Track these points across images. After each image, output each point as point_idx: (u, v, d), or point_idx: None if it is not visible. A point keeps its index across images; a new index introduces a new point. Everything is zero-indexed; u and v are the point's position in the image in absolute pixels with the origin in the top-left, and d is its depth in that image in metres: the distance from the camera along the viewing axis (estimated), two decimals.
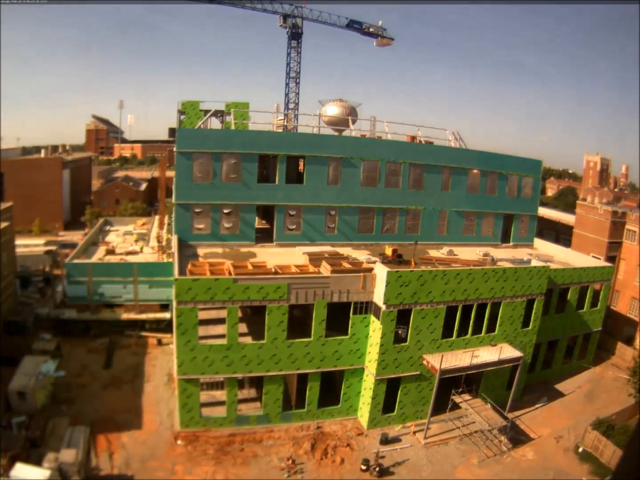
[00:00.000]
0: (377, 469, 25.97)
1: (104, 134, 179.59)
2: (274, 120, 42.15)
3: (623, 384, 36.79)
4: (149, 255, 49.22)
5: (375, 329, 28.83)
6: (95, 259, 46.96)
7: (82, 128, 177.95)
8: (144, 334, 40.48)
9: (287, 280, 27.52)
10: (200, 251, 33.65)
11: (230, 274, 28.02)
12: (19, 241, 49.07)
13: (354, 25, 64.15)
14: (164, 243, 49.69)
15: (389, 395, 29.82)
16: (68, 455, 24.03)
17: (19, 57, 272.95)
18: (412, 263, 33.59)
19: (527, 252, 41.62)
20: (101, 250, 49.55)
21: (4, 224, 40.06)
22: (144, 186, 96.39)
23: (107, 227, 62.02)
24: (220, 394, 29.68)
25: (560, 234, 59.08)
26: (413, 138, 42.69)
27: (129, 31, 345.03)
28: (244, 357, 27.70)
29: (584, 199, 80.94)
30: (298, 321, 29.43)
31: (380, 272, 28.46)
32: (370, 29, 64.87)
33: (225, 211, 35.65)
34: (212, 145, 34.42)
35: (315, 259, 32.00)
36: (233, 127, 37.86)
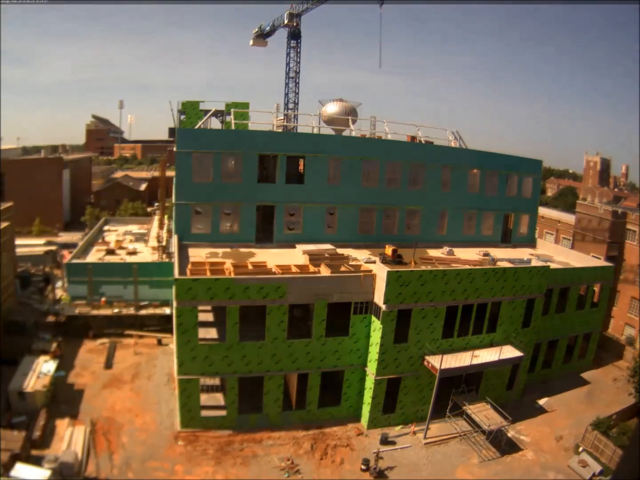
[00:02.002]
0: (377, 469, 25.97)
1: (104, 134, 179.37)
2: (274, 120, 42.06)
3: (623, 384, 36.79)
4: (148, 255, 49.27)
5: (375, 328, 28.82)
6: (95, 259, 47.03)
7: (82, 128, 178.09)
8: (144, 334, 40.48)
9: (287, 280, 27.52)
10: (201, 251, 33.62)
11: (230, 274, 28.03)
12: (19, 241, 49.04)
13: None
14: (164, 243, 49.70)
15: (389, 395, 29.81)
16: (68, 455, 24.06)
17: (19, 57, 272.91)
18: (412, 263, 33.58)
19: (527, 252, 41.60)
20: (101, 250, 49.63)
21: (4, 224, 40.03)
22: (144, 186, 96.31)
23: (107, 227, 62.12)
24: (220, 394, 29.69)
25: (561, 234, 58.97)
26: (413, 138, 42.68)
27: (129, 30, 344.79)
28: (244, 357, 27.70)
29: (584, 199, 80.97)
30: (298, 321, 29.42)
31: (381, 272, 28.45)
32: None
33: (226, 211, 35.66)
34: (212, 145, 34.40)
35: (315, 258, 31.99)
36: (233, 127, 37.83)
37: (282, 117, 54.18)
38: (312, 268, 30.47)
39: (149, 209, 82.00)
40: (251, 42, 66.18)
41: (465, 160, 41.15)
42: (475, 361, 29.51)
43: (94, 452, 26.04)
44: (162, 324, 40.66)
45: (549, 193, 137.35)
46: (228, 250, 34.50)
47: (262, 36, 64.67)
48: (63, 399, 30.67)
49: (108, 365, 35.70)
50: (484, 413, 29.41)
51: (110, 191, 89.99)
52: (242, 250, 34.89)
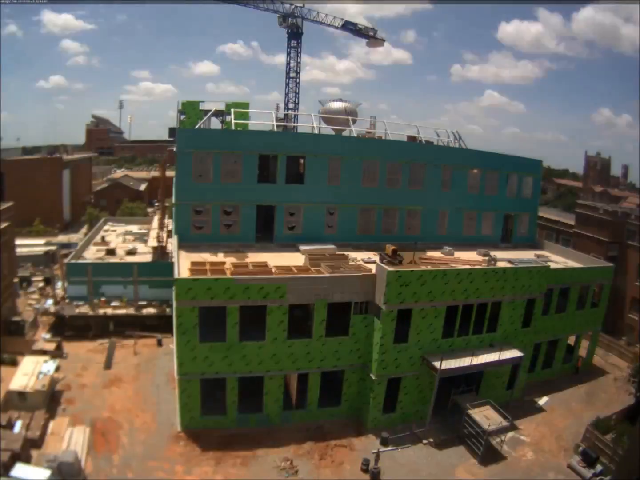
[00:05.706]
0: (377, 469, 25.94)
1: (104, 134, 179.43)
2: (274, 120, 42.02)
3: (623, 383, 36.78)
4: (148, 255, 49.29)
5: (375, 328, 28.81)
6: (95, 258, 47.07)
7: (82, 128, 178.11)
8: (144, 334, 40.49)
9: (287, 280, 27.51)
10: (200, 251, 33.57)
11: (230, 274, 28.02)
12: (19, 241, 49.06)
13: (348, 26, 65.22)
14: (164, 243, 49.71)
15: (389, 395, 29.80)
16: (68, 455, 24.03)
17: (18, 56, 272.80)
18: (412, 263, 33.57)
19: (528, 252, 41.59)
20: (101, 250, 49.65)
21: (4, 224, 40.01)
22: (144, 186, 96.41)
23: (107, 227, 62.17)
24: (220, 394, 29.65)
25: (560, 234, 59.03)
26: (413, 138, 42.67)
27: (129, 30, 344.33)
28: (245, 357, 27.71)
29: (584, 199, 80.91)
30: (298, 321, 29.40)
31: (381, 272, 28.45)
32: (362, 30, 65.96)
33: (226, 211, 35.64)
34: (212, 145, 34.39)
35: (315, 258, 32.01)
36: (233, 127, 37.82)
37: (282, 117, 54.23)
38: (312, 268, 30.48)
39: (148, 210, 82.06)
40: (367, 44, 68.70)
41: (465, 160, 41.15)
42: (475, 361, 29.49)
43: (93, 452, 26.04)
44: (162, 324, 40.67)
45: (549, 193, 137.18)
46: (228, 250, 34.47)
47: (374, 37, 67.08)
48: (63, 399, 30.69)
49: (108, 365, 35.70)
50: (484, 413, 29.37)
51: (110, 191, 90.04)
52: (242, 250, 34.85)
